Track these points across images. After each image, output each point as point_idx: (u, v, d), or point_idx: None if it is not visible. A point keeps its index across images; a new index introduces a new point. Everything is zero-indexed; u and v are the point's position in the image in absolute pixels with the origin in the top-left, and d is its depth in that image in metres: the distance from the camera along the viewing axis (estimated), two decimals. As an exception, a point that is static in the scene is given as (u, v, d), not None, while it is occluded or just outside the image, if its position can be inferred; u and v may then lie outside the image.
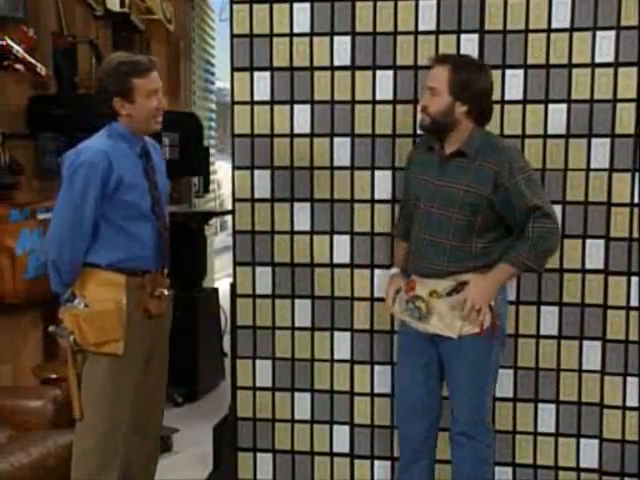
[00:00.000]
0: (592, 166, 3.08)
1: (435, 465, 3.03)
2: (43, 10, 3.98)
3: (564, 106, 3.07)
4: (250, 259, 3.34)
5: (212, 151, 6.85)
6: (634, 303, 3.11)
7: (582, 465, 3.22)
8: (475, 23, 3.09)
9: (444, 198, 2.75)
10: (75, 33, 4.29)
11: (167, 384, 2.99)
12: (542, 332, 3.19)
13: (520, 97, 3.10)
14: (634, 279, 3.10)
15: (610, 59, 3.02)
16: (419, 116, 2.86)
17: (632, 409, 3.16)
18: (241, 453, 3.44)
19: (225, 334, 5.17)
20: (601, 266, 3.13)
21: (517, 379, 3.23)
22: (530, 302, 3.19)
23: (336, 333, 3.33)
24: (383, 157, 3.21)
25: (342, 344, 3.32)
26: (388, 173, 3.22)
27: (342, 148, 3.23)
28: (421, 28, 3.12)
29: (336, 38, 3.18)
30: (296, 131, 3.26)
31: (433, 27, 3.11)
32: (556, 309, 3.17)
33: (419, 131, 2.97)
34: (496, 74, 2.99)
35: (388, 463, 3.35)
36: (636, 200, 3.07)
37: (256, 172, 3.31)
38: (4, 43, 3.40)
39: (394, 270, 3.01)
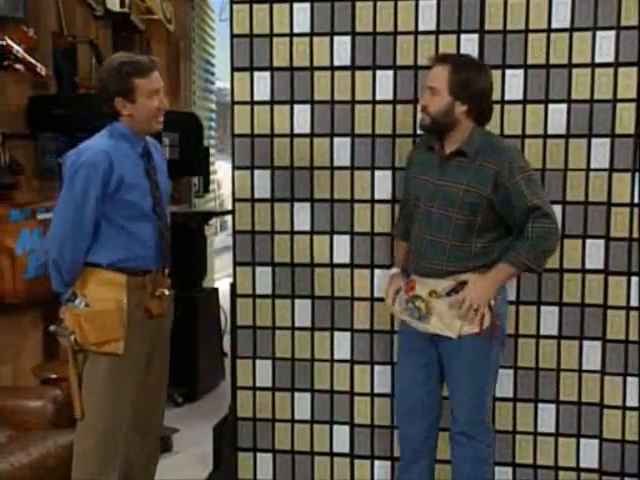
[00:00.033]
0: (592, 166, 3.08)
1: (435, 465, 3.03)
2: (43, 10, 3.98)
3: (564, 106, 3.07)
4: (250, 259, 3.34)
5: (212, 151, 6.85)
6: (634, 303, 3.11)
7: (582, 465, 3.22)
8: (475, 23, 3.09)
9: (444, 198, 2.75)
10: (75, 33, 4.29)
11: (167, 384, 3.00)
12: (542, 332, 3.19)
13: (520, 97, 3.10)
14: (634, 279, 3.10)
15: (610, 59, 3.02)
16: (419, 116, 2.86)
17: (632, 409, 3.16)
18: (241, 453, 3.44)
19: (225, 334, 5.17)
20: (601, 266, 3.13)
21: (517, 379, 3.23)
22: (530, 302, 3.19)
23: (336, 333, 3.33)
24: (383, 157, 3.21)
25: (342, 344, 3.32)
26: (388, 173, 3.22)
27: (342, 148, 3.23)
28: (421, 28, 3.12)
29: (336, 38, 3.18)
30: (296, 131, 3.26)
31: (433, 27, 3.11)
32: (556, 309, 3.17)
33: (419, 131, 2.97)
34: (496, 74, 2.99)
35: (388, 463, 3.35)
36: (636, 200, 3.07)
37: (256, 172, 3.31)
38: (4, 43, 3.40)
39: (394, 270, 3.01)
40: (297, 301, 3.33)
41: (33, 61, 3.61)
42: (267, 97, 3.25)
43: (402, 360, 2.98)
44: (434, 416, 2.94)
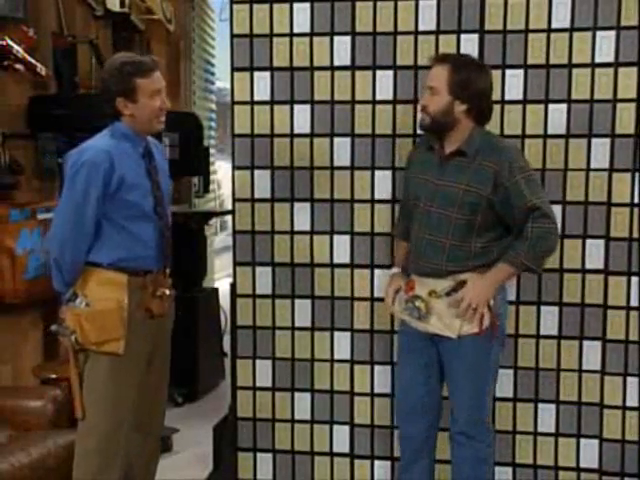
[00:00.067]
0: (592, 166, 3.08)
1: (435, 465, 3.03)
2: (43, 10, 3.98)
3: (564, 106, 3.07)
4: (250, 259, 3.34)
5: (212, 151, 6.85)
6: (634, 303, 3.11)
7: (582, 465, 3.22)
8: (475, 23, 3.09)
9: (444, 197, 2.75)
10: (75, 33, 4.29)
11: (168, 384, 3.00)
12: (542, 332, 3.19)
13: (520, 97, 3.10)
14: (634, 279, 3.10)
15: (610, 59, 3.02)
16: (419, 116, 2.86)
17: (632, 409, 3.16)
18: (241, 453, 3.44)
19: (225, 334, 5.17)
20: (601, 266, 3.13)
21: (517, 379, 3.23)
22: (530, 302, 3.19)
23: (336, 333, 3.33)
24: (383, 157, 3.21)
25: (342, 344, 3.32)
26: (388, 173, 3.22)
27: (342, 148, 3.23)
28: (421, 28, 3.12)
29: (336, 38, 3.18)
30: (296, 131, 3.26)
31: (433, 27, 3.11)
32: (556, 309, 3.17)
33: (419, 131, 2.97)
34: (496, 74, 2.99)
35: (388, 463, 3.35)
36: (636, 200, 3.07)
37: (256, 172, 3.31)
38: (4, 43, 3.40)
39: (395, 270, 3.01)
40: (297, 301, 3.33)
41: (33, 61, 3.61)
42: (267, 97, 3.25)
43: (402, 360, 2.98)
44: (434, 416, 2.95)
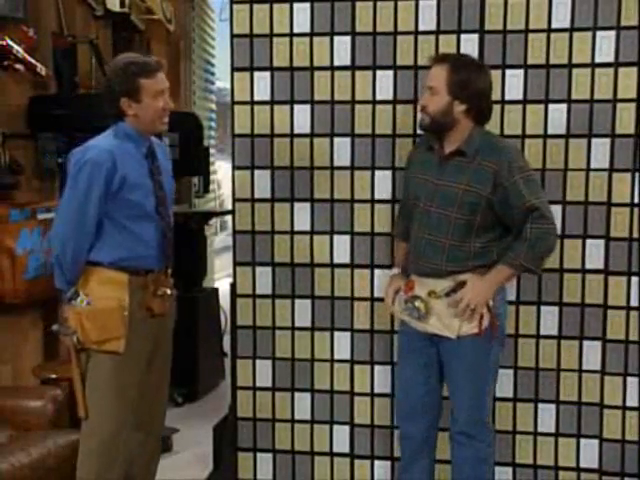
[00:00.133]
0: (592, 166, 3.08)
1: (435, 465, 3.03)
2: (43, 10, 3.98)
3: (564, 106, 3.07)
4: (250, 259, 3.34)
5: (212, 151, 6.85)
6: (634, 303, 3.11)
7: (582, 465, 3.22)
8: (475, 23, 3.09)
9: (443, 197, 2.75)
10: (75, 33, 4.29)
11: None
12: (542, 332, 3.19)
13: (520, 97, 3.10)
14: (634, 279, 3.10)
15: (610, 59, 3.02)
16: (419, 116, 2.86)
17: (632, 409, 3.16)
18: (241, 453, 3.44)
19: (225, 334, 5.17)
20: (601, 266, 3.13)
21: (517, 379, 3.23)
22: (530, 302, 3.19)
23: (336, 333, 3.33)
24: (383, 157, 3.21)
25: (342, 344, 3.32)
26: (388, 173, 3.22)
27: (342, 148, 3.23)
28: (421, 28, 3.12)
29: (336, 38, 3.18)
30: (296, 131, 3.26)
31: (433, 27, 3.11)
32: (556, 309, 3.17)
33: (419, 131, 2.97)
34: (496, 74, 2.99)
35: (388, 463, 3.35)
36: (636, 200, 3.07)
37: (256, 172, 3.31)
38: (4, 43, 3.40)
39: (394, 271, 3.01)
40: (297, 301, 3.33)
41: (33, 61, 3.61)
42: (267, 97, 3.25)
43: (402, 360, 2.98)
44: (434, 416, 2.95)
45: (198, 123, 4.88)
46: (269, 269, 3.34)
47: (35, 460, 2.85)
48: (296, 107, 3.24)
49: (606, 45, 3.02)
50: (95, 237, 2.68)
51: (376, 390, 3.33)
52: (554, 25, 3.04)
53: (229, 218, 5.56)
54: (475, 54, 3.04)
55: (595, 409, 3.19)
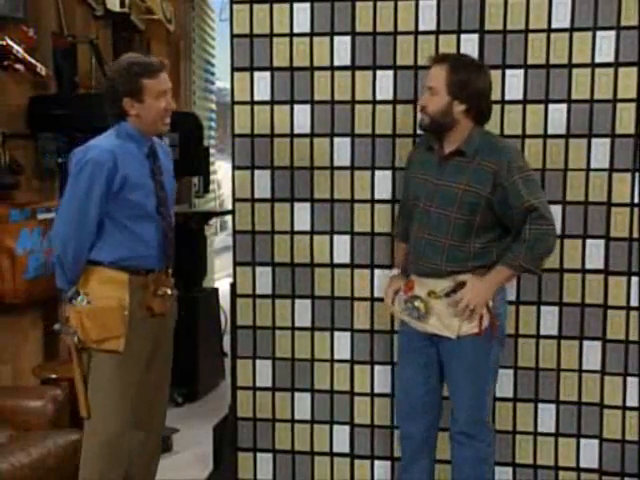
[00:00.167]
0: (592, 166, 3.08)
1: (435, 465, 3.03)
2: (43, 10, 3.98)
3: (564, 106, 3.07)
4: (250, 259, 3.34)
5: (212, 151, 6.85)
6: (634, 303, 3.11)
7: (582, 465, 3.22)
8: (475, 23, 3.09)
9: (443, 197, 2.75)
10: (75, 33, 4.29)
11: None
12: (542, 332, 3.19)
13: (520, 97, 3.10)
14: (634, 279, 3.10)
15: (610, 59, 3.02)
16: (419, 116, 2.86)
17: (632, 409, 3.16)
18: (241, 453, 3.44)
19: (225, 334, 5.17)
20: (601, 266, 3.13)
21: (517, 379, 3.23)
22: (530, 302, 3.19)
23: (336, 333, 3.33)
24: (383, 157, 3.21)
25: (342, 344, 3.32)
26: (388, 173, 3.22)
27: (342, 148, 3.23)
28: (421, 28, 3.12)
29: (336, 38, 3.18)
30: (296, 131, 3.26)
31: (433, 27, 3.11)
32: (556, 309, 3.17)
33: (419, 131, 2.97)
34: (496, 74, 2.99)
35: (388, 463, 3.35)
36: (636, 200, 3.07)
37: (256, 172, 3.31)
38: (4, 43, 3.40)
39: (394, 272, 3.01)
40: (297, 301, 3.33)
41: (33, 61, 3.61)
42: (267, 97, 3.25)
43: (402, 360, 2.98)
44: (434, 416, 2.95)
45: (198, 123, 4.87)
46: (269, 269, 3.34)
47: (35, 460, 2.85)
48: (296, 107, 3.24)
49: (606, 45, 3.02)
50: (96, 237, 2.69)
51: (376, 390, 3.33)
52: (554, 25, 3.04)
53: (229, 218, 5.57)
54: (475, 54, 3.04)
55: (595, 409, 3.19)
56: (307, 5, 3.18)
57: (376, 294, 3.25)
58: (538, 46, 3.06)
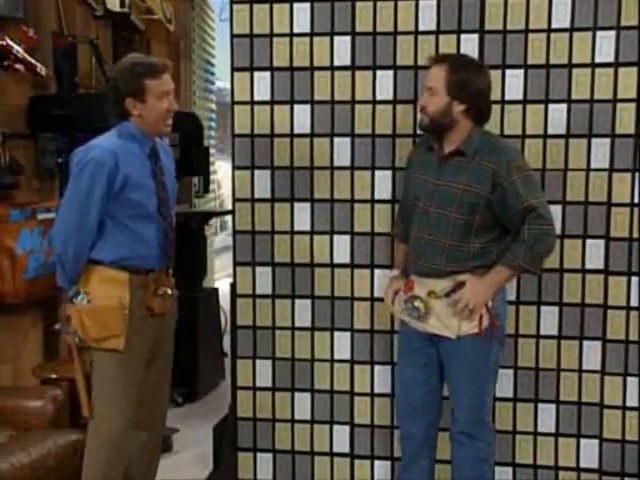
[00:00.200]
0: (592, 166, 3.08)
1: (435, 465, 3.03)
2: (43, 10, 3.98)
3: (564, 106, 3.07)
4: (250, 259, 3.34)
5: (212, 151, 6.85)
6: (634, 303, 3.11)
7: (582, 465, 3.22)
8: (475, 23, 3.09)
9: (442, 197, 2.75)
10: (75, 33, 4.28)
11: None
12: (542, 332, 3.19)
13: (520, 97, 3.10)
14: (634, 279, 3.10)
15: (610, 59, 3.02)
16: (419, 116, 2.86)
17: (632, 409, 3.16)
18: (241, 453, 3.44)
19: (225, 334, 5.17)
20: (601, 266, 3.13)
21: (517, 379, 3.23)
22: (530, 302, 3.19)
23: (336, 333, 3.33)
24: (383, 157, 3.21)
25: (342, 344, 3.32)
26: (388, 173, 3.22)
27: (342, 148, 3.23)
28: (421, 28, 3.12)
29: (336, 38, 3.18)
30: (296, 131, 3.26)
31: (433, 27, 3.11)
32: (556, 309, 3.17)
33: (419, 131, 2.97)
34: (496, 74, 2.99)
35: (388, 463, 3.35)
36: (636, 200, 3.07)
37: (256, 172, 3.31)
38: (4, 43, 3.40)
39: (394, 272, 3.01)
40: (297, 301, 3.33)
41: (33, 61, 3.61)
42: (267, 97, 3.25)
43: (402, 360, 2.98)
44: (434, 416, 2.95)
45: (198, 123, 4.88)
46: (269, 269, 3.34)
47: (35, 460, 2.85)
48: (296, 107, 3.24)
49: (606, 45, 3.02)
50: (97, 236, 2.69)
51: (376, 390, 3.33)
52: (554, 25, 3.04)
53: (229, 218, 5.56)
54: (475, 54, 3.04)
55: (595, 409, 3.19)
56: (307, 5, 3.18)
57: (376, 294, 3.25)
58: (538, 46, 3.06)
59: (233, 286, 3.39)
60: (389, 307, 3.01)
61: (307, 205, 3.28)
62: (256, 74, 3.25)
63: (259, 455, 3.43)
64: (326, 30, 3.18)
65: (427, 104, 2.76)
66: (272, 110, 3.26)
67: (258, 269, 3.34)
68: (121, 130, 2.73)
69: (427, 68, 2.83)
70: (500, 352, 2.87)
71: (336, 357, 3.34)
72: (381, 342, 3.30)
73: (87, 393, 2.74)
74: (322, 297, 3.31)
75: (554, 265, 3.10)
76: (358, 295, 3.29)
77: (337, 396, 3.36)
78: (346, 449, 3.38)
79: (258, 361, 3.39)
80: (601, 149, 3.07)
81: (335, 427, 3.37)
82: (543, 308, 3.18)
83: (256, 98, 3.26)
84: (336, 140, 3.23)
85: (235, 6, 3.23)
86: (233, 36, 3.26)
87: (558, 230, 2.93)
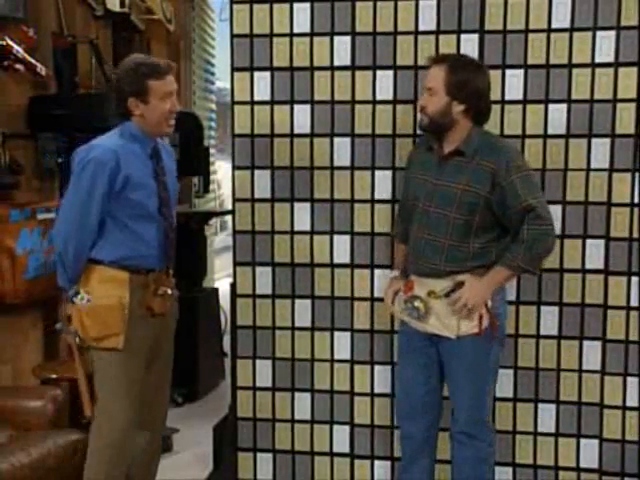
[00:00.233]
0: (592, 166, 3.08)
1: (435, 465, 3.03)
2: (43, 10, 3.98)
3: (564, 106, 3.07)
4: (250, 259, 3.34)
5: (212, 151, 6.85)
6: (634, 303, 3.11)
7: (582, 465, 3.22)
8: (475, 23, 3.09)
9: (442, 197, 2.75)
10: (75, 33, 4.28)
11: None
12: (542, 332, 3.19)
13: (520, 97, 3.10)
14: (634, 279, 3.10)
15: (610, 59, 3.02)
16: (419, 116, 2.86)
17: (632, 409, 3.16)
18: (241, 453, 3.44)
19: (225, 334, 5.17)
20: (601, 266, 3.13)
21: (517, 379, 3.23)
22: (530, 302, 3.19)
23: (336, 333, 3.33)
24: (383, 157, 3.21)
25: (342, 344, 3.32)
26: (388, 173, 3.22)
27: (342, 148, 3.23)
28: (421, 28, 3.12)
29: (336, 38, 3.18)
30: (296, 131, 3.26)
31: (433, 27, 3.11)
32: (556, 309, 3.17)
33: (419, 131, 2.97)
34: (496, 74, 2.99)
35: (388, 463, 3.35)
36: (636, 200, 3.07)
37: (256, 172, 3.31)
38: (4, 43, 3.40)
39: (394, 273, 3.01)
40: (297, 301, 3.33)
41: (33, 61, 3.61)
42: (267, 97, 3.25)
43: (402, 360, 2.98)
44: (434, 416, 2.95)
45: (198, 123, 4.88)
46: (269, 269, 3.34)
47: (35, 460, 2.85)
48: (296, 107, 3.24)
49: (606, 45, 3.02)
50: (97, 235, 2.70)
51: (376, 390, 3.33)
52: (554, 25, 3.04)
53: (229, 218, 5.56)
54: (475, 54, 3.04)
55: (595, 409, 3.19)
56: (307, 5, 3.18)
57: (376, 294, 3.25)
58: (538, 46, 3.06)
59: (233, 286, 3.39)
60: (389, 307, 3.01)
61: (307, 205, 3.28)
62: (256, 74, 3.25)
63: (259, 455, 3.43)
64: (326, 30, 3.18)
65: (426, 104, 2.76)
66: (272, 110, 3.26)
67: (258, 269, 3.34)
68: (123, 130, 2.74)
69: (427, 68, 2.83)
70: (500, 352, 2.87)
71: (336, 357, 3.34)
72: (381, 342, 3.30)
73: (89, 392, 2.74)
74: (322, 297, 3.31)
75: (554, 265, 3.10)
76: (358, 295, 3.29)
77: (337, 396, 3.36)
78: (346, 449, 3.38)
79: (258, 361, 3.39)
80: (601, 149, 3.07)
81: (335, 427, 3.37)
82: (543, 308, 3.18)
83: (256, 98, 3.26)
84: (336, 140, 3.23)
85: (235, 6, 3.23)
86: (233, 36, 3.26)
87: (558, 230, 2.93)
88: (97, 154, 2.65)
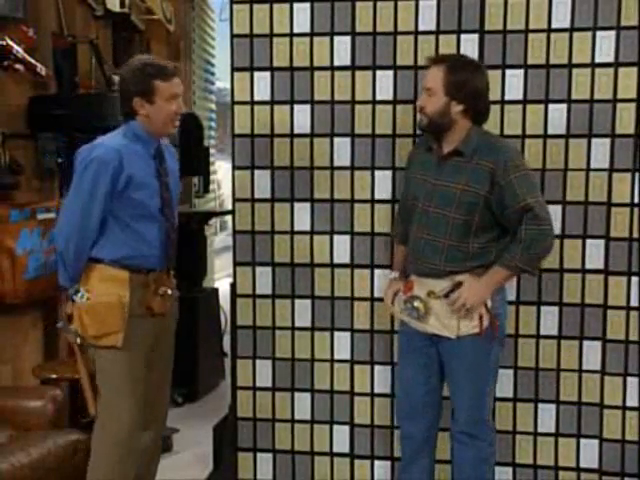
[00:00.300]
0: (592, 166, 3.08)
1: (435, 465, 3.03)
2: (43, 10, 3.98)
3: (564, 106, 3.07)
4: (250, 259, 3.34)
5: (212, 151, 6.85)
6: (634, 303, 3.11)
7: (582, 465, 3.22)
8: (475, 23, 3.09)
9: (441, 197, 2.75)
10: (75, 33, 4.28)
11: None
12: (542, 332, 3.19)
13: (520, 97, 3.10)
14: (634, 279, 3.10)
15: (610, 59, 3.02)
16: (418, 116, 2.86)
17: (632, 409, 3.16)
18: (241, 453, 3.44)
19: (225, 334, 5.17)
20: (601, 266, 3.13)
21: (517, 379, 3.23)
22: (530, 302, 3.19)
23: (336, 333, 3.33)
24: (383, 157, 3.21)
25: (342, 344, 3.32)
26: (388, 173, 3.22)
27: (342, 148, 3.23)
28: (421, 28, 3.12)
29: (336, 38, 3.18)
30: (296, 131, 3.26)
31: (433, 27, 3.11)
32: (556, 309, 3.17)
33: (419, 131, 2.97)
34: (496, 74, 3.00)
35: (388, 463, 3.35)
36: (636, 200, 3.07)
37: (256, 172, 3.31)
38: (4, 43, 3.40)
39: (394, 274, 3.01)
40: (297, 301, 3.33)
41: (33, 61, 3.61)
42: (267, 97, 3.26)
43: (402, 360, 2.98)
44: (434, 416, 2.95)
45: (198, 123, 4.88)
46: (269, 269, 3.34)
47: (35, 460, 2.85)
48: (296, 107, 3.24)
49: (606, 45, 3.02)
50: (99, 234, 2.70)
51: (376, 390, 3.33)
52: (554, 25, 3.04)
53: (229, 218, 5.57)
54: (475, 54, 3.04)
55: (595, 409, 3.19)
56: (307, 5, 3.18)
57: (376, 294, 3.25)
58: (538, 46, 3.06)
59: (233, 286, 3.39)
60: (389, 308, 3.01)
61: (307, 205, 3.28)
62: (256, 74, 3.25)
63: (259, 455, 3.43)
64: (326, 30, 3.18)
65: (425, 104, 2.76)
66: (272, 110, 3.26)
67: (258, 269, 3.34)
68: (127, 130, 2.74)
69: (426, 68, 2.83)
70: (500, 352, 2.87)
71: (336, 357, 3.34)
72: (381, 342, 3.30)
73: (92, 391, 2.74)
74: (322, 297, 3.31)
75: (554, 265, 3.10)
76: (358, 295, 3.29)
77: (337, 396, 3.36)
78: (346, 449, 3.38)
79: (258, 361, 3.39)
80: (601, 149, 3.07)
81: (335, 427, 3.37)
82: (543, 308, 3.18)
83: (256, 98, 3.26)
84: (336, 140, 3.24)
85: (235, 6, 3.24)
86: (233, 36, 3.26)
87: (558, 230, 2.93)
88: (100, 153, 2.65)
